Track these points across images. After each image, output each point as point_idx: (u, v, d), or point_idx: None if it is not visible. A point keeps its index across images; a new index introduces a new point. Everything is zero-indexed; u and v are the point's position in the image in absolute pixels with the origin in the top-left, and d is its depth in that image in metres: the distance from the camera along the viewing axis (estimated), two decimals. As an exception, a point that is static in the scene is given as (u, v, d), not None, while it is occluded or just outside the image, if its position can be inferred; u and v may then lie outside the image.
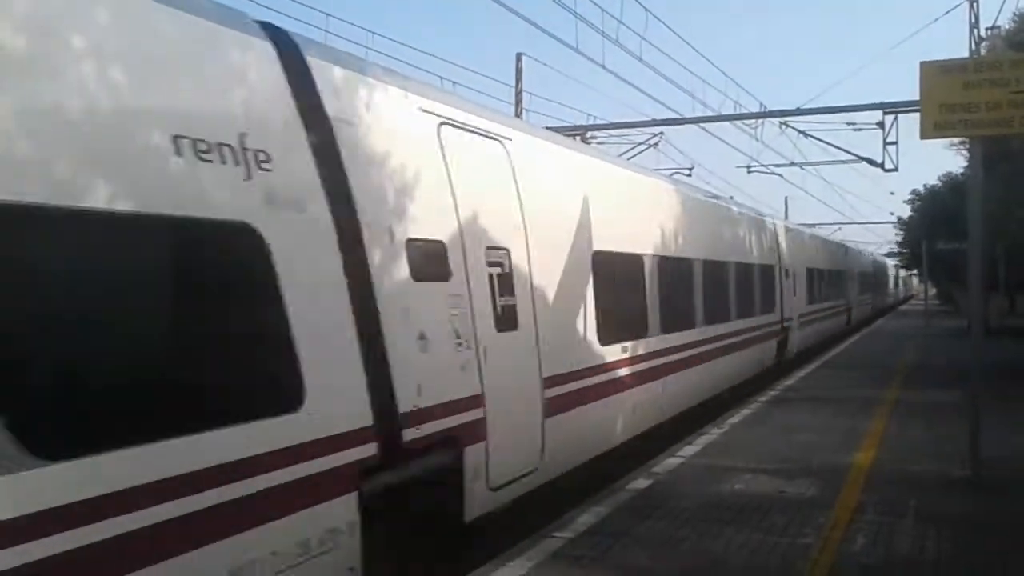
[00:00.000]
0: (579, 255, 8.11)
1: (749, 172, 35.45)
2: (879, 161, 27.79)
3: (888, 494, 7.30)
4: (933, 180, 41.59)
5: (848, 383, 15.23)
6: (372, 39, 27.24)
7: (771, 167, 35.34)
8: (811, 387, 14.88)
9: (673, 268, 10.87)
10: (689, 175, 37.17)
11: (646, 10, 14.52)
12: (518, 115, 31.46)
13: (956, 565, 5.63)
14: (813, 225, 39.50)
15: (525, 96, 31.56)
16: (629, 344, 9.10)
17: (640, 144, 31.92)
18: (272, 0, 22.41)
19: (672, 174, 36.40)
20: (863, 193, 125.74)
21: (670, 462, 8.73)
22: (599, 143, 32.99)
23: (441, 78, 27.54)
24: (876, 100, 26.68)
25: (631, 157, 32.99)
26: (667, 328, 10.32)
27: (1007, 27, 18.17)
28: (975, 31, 28.51)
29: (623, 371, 8.86)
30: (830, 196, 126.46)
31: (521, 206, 6.97)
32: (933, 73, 8.07)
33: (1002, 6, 34.51)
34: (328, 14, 21.81)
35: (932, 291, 52.80)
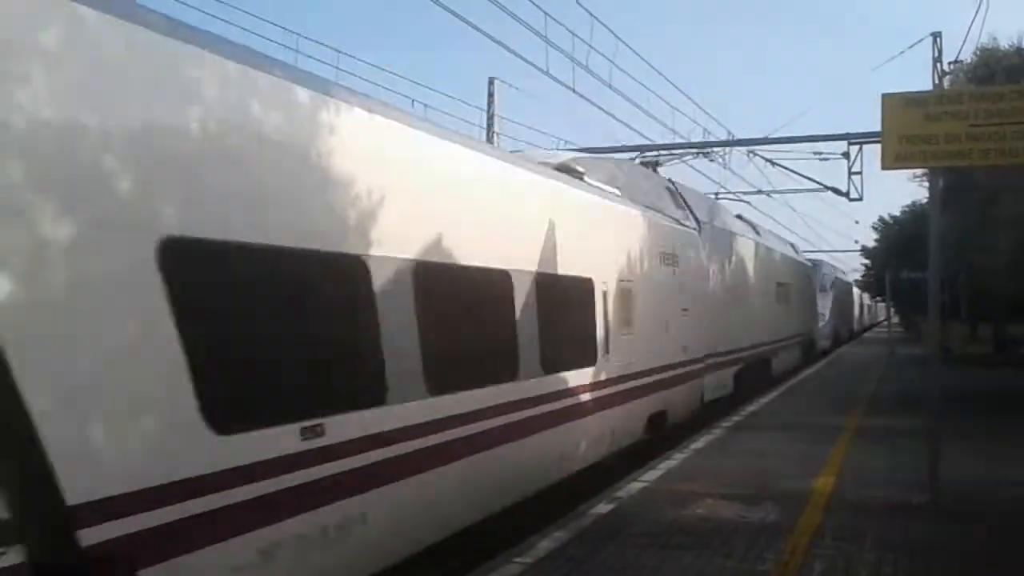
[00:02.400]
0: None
1: (717, 198, 35.86)
2: (844, 190, 28.27)
3: (848, 520, 7.33)
4: (897, 210, 42.42)
5: (810, 409, 15.34)
6: (340, 59, 27.28)
7: (739, 194, 35.73)
8: (773, 413, 14.97)
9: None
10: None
11: (616, 36, 14.65)
12: (489, 139, 31.58)
13: (913, 592, 5.67)
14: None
15: (497, 120, 31.72)
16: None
17: (611, 169, 32.09)
18: (242, 18, 22.35)
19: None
20: (829, 222, 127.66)
21: (632, 487, 8.71)
22: (570, 167, 33.11)
23: (413, 100, 27.53)
24: (842, 131, 27.23)
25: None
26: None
27: (969, 61, 18.57)
28: (938, 65, 29.17)
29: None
30: (797, 224, 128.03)
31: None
32: (895, 105, 8.21)
33: (964, 41, 35.33)
34: (300, 34, 21.77)
35: (896, 319, 53.53)
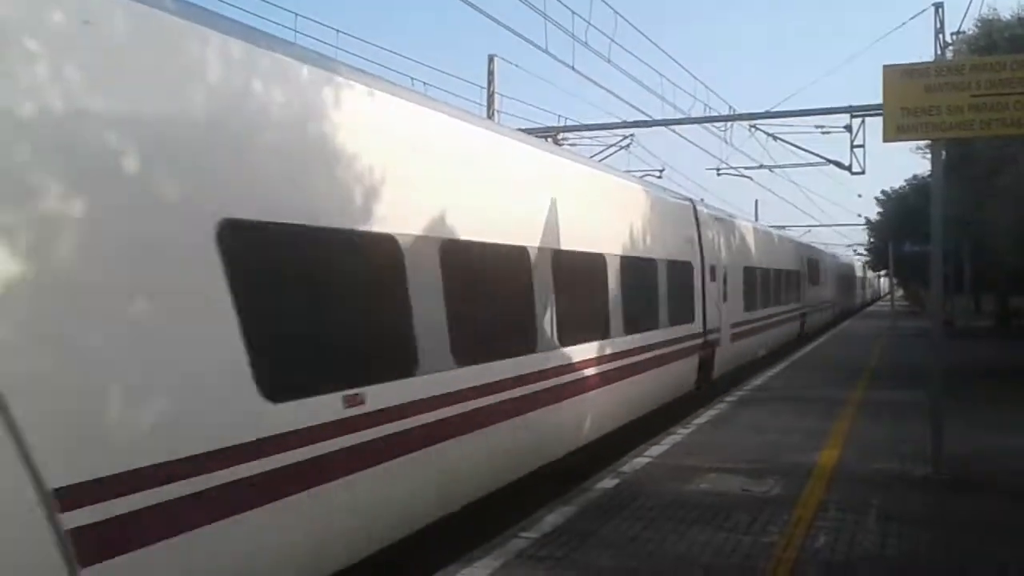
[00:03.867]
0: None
1: (719, 174, 35.78)
2: (847, 164, 28.19)
3: (851, 492, 7.39)
4: (900, 182, 42.28)
5: (814, 383, 15.38)
6: (340, 38, 27.28)
7: (740, 169, 35.63)
8: (778, 387, 15.01)
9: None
10: (660, 177, 37.42)
11: (615, 12, 14.56)
12: (490, 116, 31.46)
13: (917, 562, 5.71)
14: (783, 227, 39.60)
15: (497, 98, 31.60)
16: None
17: (611, 146, 32.07)
18: (241, 0, 22.22)
19: (643, 176, 36.67)
20: (831, 195, 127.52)
21: (637, 461, 8.76)
22: (570, 144, 33.13)
23: (412, 79, 27.43)
24: (844, 103, 27.10)
25: (603, 159, 33.14)
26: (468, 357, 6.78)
27: (971, 32, 18.43)
28: (940, 36, 28.97)
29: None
30: (799, 199, 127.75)
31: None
32: (896, 77, 8.19)
33: (966, 12, 35.24)
34: (297, 14, 21.66)
35: (900, 292, 53.45)
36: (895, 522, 6.50)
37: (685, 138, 43.48)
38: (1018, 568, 5.59)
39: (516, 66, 57.63)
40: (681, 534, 6.29)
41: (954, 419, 8.85)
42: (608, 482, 7.86)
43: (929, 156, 9.13)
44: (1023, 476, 8.13)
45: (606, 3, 14.49)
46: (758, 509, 6.89)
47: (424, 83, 36.33)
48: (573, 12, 13.22)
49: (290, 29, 21.57)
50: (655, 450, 9.38)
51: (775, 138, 29.59)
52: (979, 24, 17.12)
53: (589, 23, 14.81)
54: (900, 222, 35.36)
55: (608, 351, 9.75)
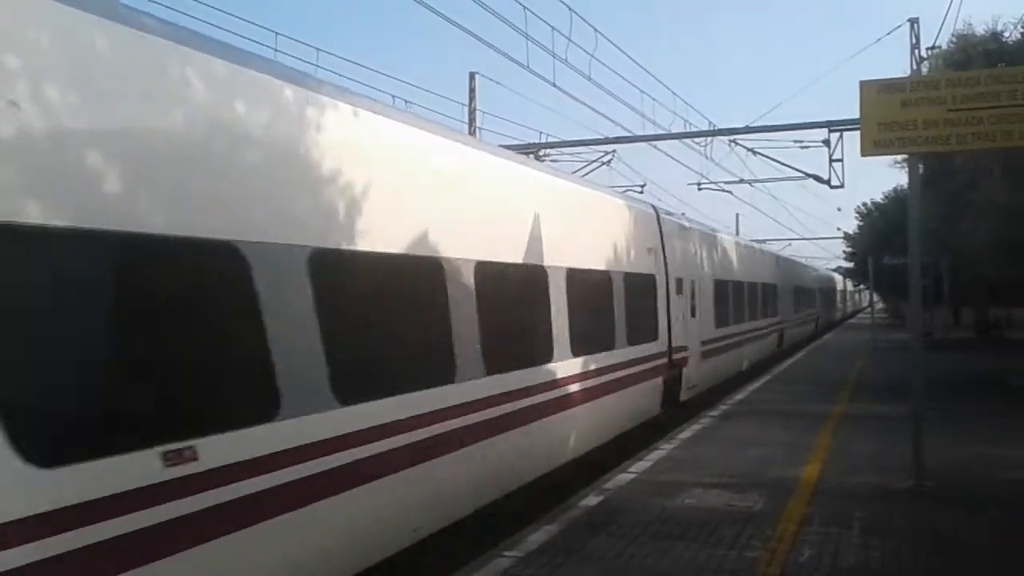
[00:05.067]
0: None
1: (700, 189, 35.98)
2: (826, 178, 28.41)
3: (834, 506, 7.39)
4: (879, 196, 42.70)
5: (797, 397, 15.43)
6: (320, 57, 27.00)
7: (721, 184, 35.85)
8: (761, 401, 15.05)
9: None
10: (641, 192, 37.57)
11: (595, 30, 14.64)
12: (472, 133, 31.55)
13: (901, 574, 5.71)
14: (764, 241, 39.84)
15: (478, 114, 31.69)
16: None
17: (593, 161, 32.21)
18: (224, 20, 22.24)
19: (625, 191, 36.75)
20: (811, 209, 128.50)
21: (622, 478, 8.74)
22: (552, 160, 33.25)
23: (393, 96, 27.46)
24: (822, 118, 27.36)
25: (584, 175, 33.24)
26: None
27: (946, 47, 18.66)
28: (916, 51, 29.35)
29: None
30: (780, 213, 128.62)
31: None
32: (872, 92, 8.27)
33: (941, 27, 35.96)
34: (277, 32, 21.65)
35: (880, 305, 53.81)
36: (878, 536, 6.50)
37: (666, 154, 43.78)
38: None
39: (497, 83, 57.74)
40: (665, 550, 6.26)
41: (935, 431, 8.89)
42: (592, 499, 7.83)
43: (907, 170, 9.20)
44: (1003, 487, 8.18)
45: (586, 21, 14.56)
46: (742, 524, 6.88)
47: (405, 100, 36.29)
48: (553, 29, 13.31)
49: (270, 48, 21.51)
50: (639, 466, 9.36)
51: (755, 153, 29.79)
52: (954, 39, 17.35)
53: (570, 40, 14.85)
54: (879, 235, 35.69)
55: (547, 379, 8.58)
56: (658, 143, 31.16)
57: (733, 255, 21.04)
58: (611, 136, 30.60)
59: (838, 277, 64.13)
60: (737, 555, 6.12)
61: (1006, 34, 16.18)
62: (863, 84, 8.30)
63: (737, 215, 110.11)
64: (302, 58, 23.91)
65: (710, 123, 31.37)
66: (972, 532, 6.68)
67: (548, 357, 8.71)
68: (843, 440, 10.79)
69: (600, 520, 7.11)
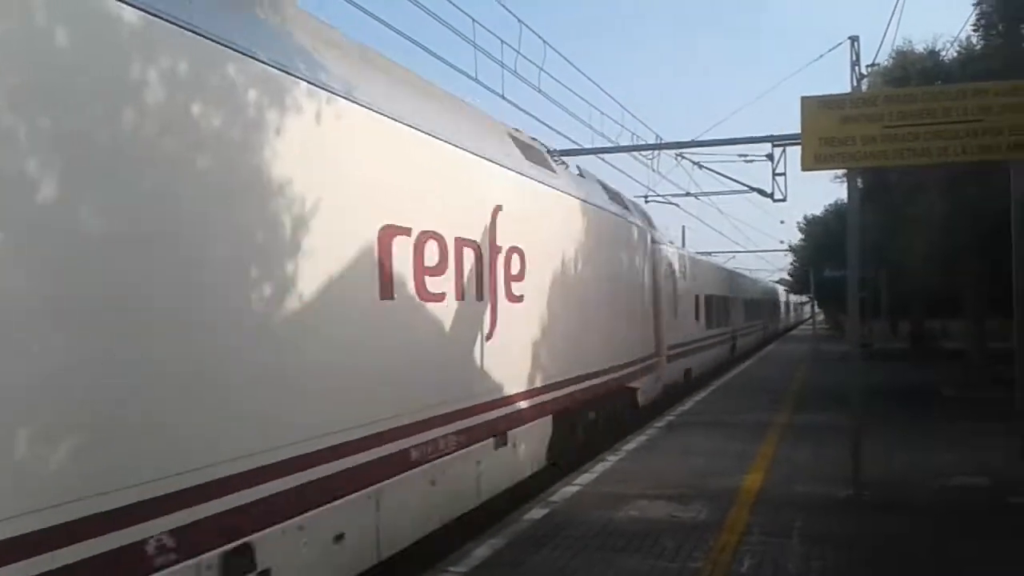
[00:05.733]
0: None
1: (647, 201, 36.34)
2: (769, 191, 28.91)
3: (775, 516, 7.47)
4: (821, 209, 43.67)
5: (740, 407, 15.62)
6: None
7: (668, 197, 36.24)
8: (705, 412, 15.19)
9: None
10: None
11: (544, 41, 14.70)
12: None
13: (838, 584, 5.80)
14: (709, 253, 40.61)
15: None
16: None
17: (542, 173, 32.28)
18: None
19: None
20: (756, 222, 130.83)
21: (567, 490, 8.73)
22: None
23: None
24: (766, 133, 27.86)
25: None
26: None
27: (886, 64, 19.13)
28: (856, 68, 30.06)
29: None
30: (725, 225, 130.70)
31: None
32: (813, 107, 8.42)
33: (880, 44, 37.13)
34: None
35: (821, 316, 54.85)
36: (817, 544, 6.58)
37: (614, 166, 44.13)
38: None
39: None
40: (609, 562, 6.26)
41: (873, 440, 9.05)
42: (537, 512, 7.80)
43: (847, 184, 9.39)
44: (936, 494, 8.36)
45: (536, 33, 14.60)
46: (685, 535, 6.91)
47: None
48: (503, 41, 13.29)
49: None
50: (585, 478, 9.36)
51: (700, 166, 30.21)
52: (894, 56, 17.80)
53: (519, 52, 14.88)
54: (820, 248, 36.42)
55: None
56: (606, 156, 31.47)
57: (708, 273, 24.83)
58: (559, 148, 30.79)
59: (781, 289, 65.29)
60: (680, 566, 6.14)
61: (943, 53, 16.66)
62: (804, 100, 8.45)
63: (684, 227, 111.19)
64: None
65: (657, 136, 31.78)
66: (907, 539, 6.80)
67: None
68: (785, 449, 10.94)
69: (545, 533, 7.08)
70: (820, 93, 8.55)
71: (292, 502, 4.94)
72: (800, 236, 48.13)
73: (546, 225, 9.59)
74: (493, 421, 7.91)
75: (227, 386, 4.54)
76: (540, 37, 14.20)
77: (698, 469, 9.70)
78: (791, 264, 56.34)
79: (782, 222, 70.51)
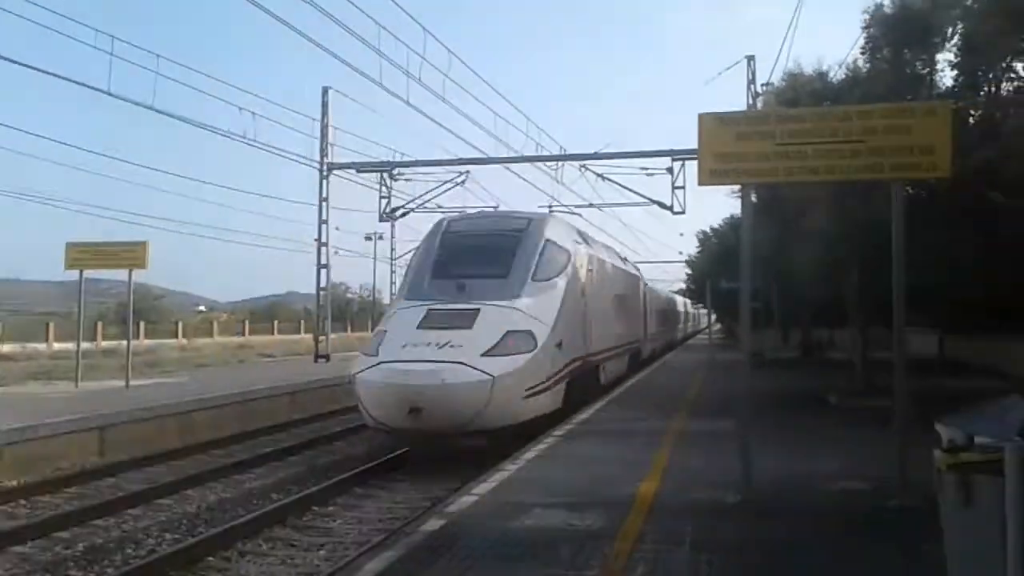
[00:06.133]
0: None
1: (551, 211, 36.72)
2: (669, 204, 29.60)
3: (668, 522, 7.60)
4: (718, 222, 45.04)
5: (637, 415, 15.89)
6: (160, 63, 25.53)
7: (571, 207, 36.71)
8: (603, 420, 15.39)
9: None
10: (494, 212, 38.09)
11: (448, 50, 14.70)
12: (323, 149, 30.97)
13: (726, 589, 5.93)
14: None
15: (330, 130, 31.13)
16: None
17: (447, 182, 32.28)
18: (58, 22, 20.71)
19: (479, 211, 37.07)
20: (656, 234, 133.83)
21: (464, 500, 8.68)
22: (406, 180, 32.99)
23: (240, 108, 26.53)
24: (666, 147, 28.55)
25: (438, 195, 33.29)
26: None
27: (779, 84, 19.85)
28: (752, 87, 31.11)
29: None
30: (627, 236, 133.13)
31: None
32: (710, 124, 8.65)
33: (774, 65, 38.95)
34: (113, 36, 20.46)
35: (718, 326, 56.41)
36: (707, 551, 6.72)
37: (519, 176, 44.27)
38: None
39: (352, 99, 56.88)
40: (505, 572, 6.25)
41: (762, 447, 9.32)
42: (433, 523, 7.72)
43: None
44: (821, 499, 8.68)
45: (440, 42, 14.55)
46: (580, 543, 6.96)
47: (253, 113, 35.18)
48: (408, 47, 13.26)
49: (106, 52, 20.38)
50: (482, 487, 9.33)
51: (603, 178, 30.72)
52: (785, 78, 18.50)
53: (423, 59, 14.84)
54: (717, 260, 37.49)
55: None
56: (511, 165, 31.67)
57: (660, 295, 41.85)
58: (465, 157, 30.80)
59: (680, 299, 66.94)
60: (575, 575, 6.17)
61: (831, 75, 17.39)
62: (701, 116, 8.66)
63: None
64: (139, 63, 22.71)
65: (561, 147, 32.12)
66: (791, 543, 7.01)
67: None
68: (679, 457, 11.17)
69: (440, 544, 7.02)
70: (718, 110, 8.80)
71: (607, 358, 21.13)
72: (697, 248, 49.67)
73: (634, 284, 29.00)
74: (621, 351, 24.47)
75: (604, 336, 20.63)
76: (444, 46, 14.25)
77: (595, 477, 9.80)
78: (687, 275, 58.00)
79: (681, 234, 72.56)
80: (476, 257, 15.52)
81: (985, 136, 13.70)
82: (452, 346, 12.94)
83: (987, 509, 4.41)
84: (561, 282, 15.87)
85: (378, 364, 13.07)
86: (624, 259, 30.37)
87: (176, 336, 57.55)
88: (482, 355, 12.88)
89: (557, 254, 16.21)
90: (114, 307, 59.15)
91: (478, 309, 13.86)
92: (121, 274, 21.49)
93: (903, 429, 8.13)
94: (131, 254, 20.89)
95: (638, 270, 34.35)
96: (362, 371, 13.23)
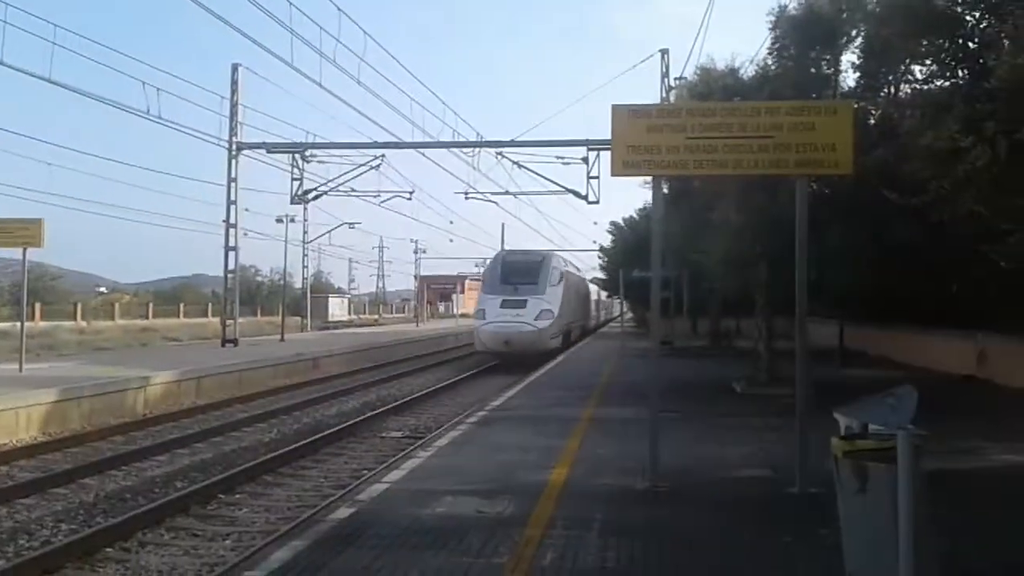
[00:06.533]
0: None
1: (467, 198, 36.68)
2: (584, 194, 29.88)
3: (578, 509, 7.71)
4: (631, 212, 45.90)
5: (550, 402, 16.06)
6: (58, 34, 24.20)
7: (487, 195, 36.70)
8: (517, 407, 15.49)
9: None
10: (409, 199, 37.72)
11: (364, 32, 14.45)
12: (233, 128, 30.13)
13: (633, 571, 6.06)
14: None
15: (240, 109, 30.30)
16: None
17: (361, 165, 31.86)
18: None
19: (392, 197, 36.76)
20: (571, 222, 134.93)
21: (375, 488, 8.62)
22: (319, 163, 32.42)
23: (144, 83, 25.55)
24: (582, 137, 28.79)
25: (354, 178, 32.87)
26: None
27: (691, 78, 20.21)
28: (666, 80, 31.62)
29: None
30: (542, 225, 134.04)
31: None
32: (623, 116, 8.75)
33: (687, 59, 40.06)
34: (6, 3, 19.44)
35: (630, 315, 57.39)
36: (615, 536, 6.85)
37: (435, 162, 43.99)
38: (718, 574, 6.07)
39: (264, 78, 55.65)
40: (414, 561, 6.22)
41: (671, 433, 9.56)
42: (343, 511, 7.65)
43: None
44: (727, 485, 8.94)
45: (355, 23, 14.32)
46: (491, 530, 6.99)
47: (158, 88, 33.87)
48: (321, 28, 12.98)
49: None
50: (394, 475, 9.29)
51: (520, 166, 30.81)
52: (698, 72, 18.84)
53: (338, 40, 14.56)
54: (630, 249, 38.05)
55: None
56: (427, 151, 31.44)
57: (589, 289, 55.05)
58: (380, 141, 30.44)
59: (593, 288, 67.87)
60: (485, 562, 6.20)
61: (742, 71, 17.80)
62: (615, 108, 8.75)
63: (503, 224, 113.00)
64: (37, 33, 21.67)
65: (478, 134, 32.06)
66: (696, 528, 7.21)
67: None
68: (590, 444, 11.33)
69: (350, 533, 6.95)
70: (633, 102, 8.90)
71: (576, 327, 40.41)
72: (611, 237, 50.48)
73: (582, 285, 47.64)
74: (579, 324, 43.09)
75: (586, 315, 48.17)
76: (360, 27, 13.96)
77: (507, 464, 9.86)
78: (600, 264, 59.09)
79: (595, 223, 73.49)
80: (520, 273, 31.52)
81: (884, 136, 14.27)
82: (518, 316, 29.48)
83: (881, 494, 4.61)
84: (560, 287, 32.51)
85: (487, 323, 29.90)
86: (578, 269, 49.36)
87: (75, 318, 55.28)
88: (532, 320, 29.50)
89: (556, 273, 32.85)
90: (7, 287, 56.56)
91: (526, 299, 30.19)
92: (16, 253, 20.48)
93: (804, 418, 8.42)
94: (25, 232, 19.89)
95: (585, 277, 53.39)
96: (480, 327, 30.35)
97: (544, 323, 29.86)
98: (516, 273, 31.42)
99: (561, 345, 32.00)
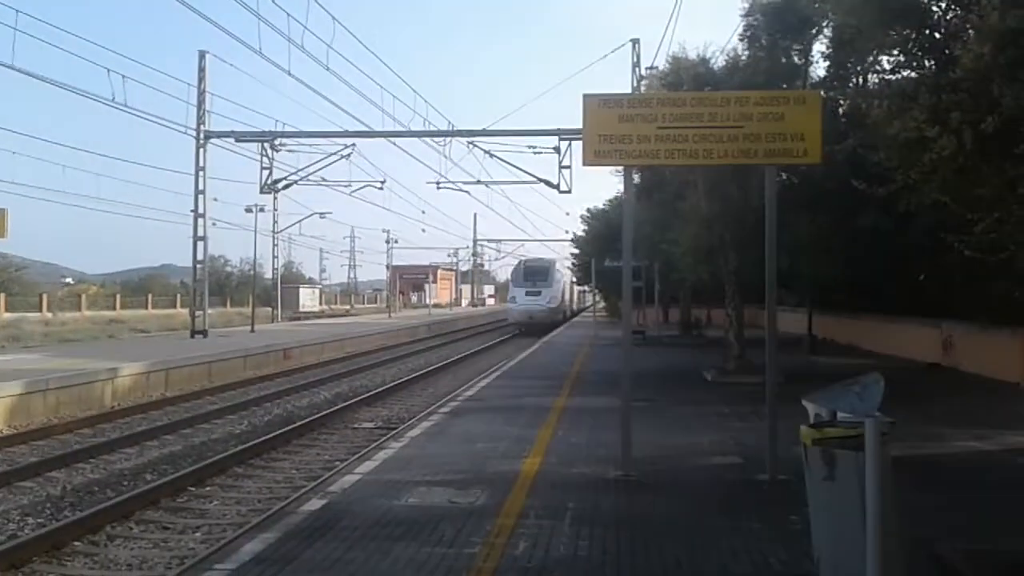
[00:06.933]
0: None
1: (439, 188, 36.61)
2: (555, 183, 29.88)
3: (550, 498, 7.74)
4: (603, 203, 46.05)
5: (522, 392, 16.08)
6: (20, 19, 23.74)
7: (459, 184, 36.63)
8: (489, 397, 15.50)
9: None
10: (381, 188, 37.65)
11: (333, 18, 14.32)
12: (200, 116, 29.76)
13: (605, 560, 6.08)
14: (499, 241, 43.00)
15: (208, 97, 29.93)
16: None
17: (332, 154, 31.64)
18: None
19: (363, 187, 36.69)
20: (543, 212, 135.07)
21: (347, 479, 8.59)
22: (289, 151, 32.15)
23: (109, 70, 25.13)
24: (554, 126, 28.76)
25: (324, 167, 32.69)
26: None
27: (662, 68, 20.22)
28: (637, 69, 31.66)
29: None
30: (514, 214, 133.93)
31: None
32: (594, 105, 8.74)
33: (658, 48, 40.46)
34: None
35: (602, 304, 57.64)
36: (587, 525, 6.88)
37: (406, 151, 43.81)
38: (688, 561, 6.12)
39: (231, 65, 54.94)
40: (386, 552, 6.21)
41: (642, 422, 9.60)
42: (315, 503, 7.61)
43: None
44: (696, 473, 9.02)
45: (325, 9, 14.21)
46: (463, 520, 6.99)
47: (124, 76, 33.43)
48: (289, 15, 12.84)
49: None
50: (367, 466, 9.26)
51: (491, 155, 30.76)
52: (669, 61, 18.86)
53: (305, 27, 14.41)
54: (602, 239, 38.14)
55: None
56: (398, 140, 31.29)
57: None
58: (351, 130, 30.24)
59: (566, 277, 68.40)
60: (457, 552, 6.20)
61: (713, 61, 17.86)
62: (586, 97, 8.75)
63: (475, 214, 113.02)
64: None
65: (449, 123, 31.94)
66: (667, 516, 7.26)
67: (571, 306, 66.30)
68: (562, 433, 11.36)
69: (322, 524, 6.92)
70: (604, 91, 8.89)
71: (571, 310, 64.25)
72: (583, 227, 50.53)
73: (565, 279, 58.60)
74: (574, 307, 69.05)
75: (572, 302, 67.16)
76: (329, 13, 13.82)
77: (479, 454, 9.86)
78: (572, 254, 59.44)
79: (567, 213, 74.22)
80: (535, 273, 49.35)
81: (852, 126, 14.40)
82: (536, 301, 47.10)
83: (849, 480, 4.66)
84: (560, 283, 51.76)
85: (518, 306, 47.59)
86: (567, 268, 60.78)
87: (40, 309, 54.47)
88: (545, 303, 47.45)
89: (557, 273, 51.60)
90: (-30, 279, 55.50)
91: (540, 290, 47.72)
92: (-22, 244, 20.13)
93: (773, 406, 8.50)
94: (-12, 223, 19.57)
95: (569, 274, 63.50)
96: (513, 308, 48.40)
97: (553, 305, 48.17)
98: (532, 273, 49.37)
99: (560, 320, 49.81)
